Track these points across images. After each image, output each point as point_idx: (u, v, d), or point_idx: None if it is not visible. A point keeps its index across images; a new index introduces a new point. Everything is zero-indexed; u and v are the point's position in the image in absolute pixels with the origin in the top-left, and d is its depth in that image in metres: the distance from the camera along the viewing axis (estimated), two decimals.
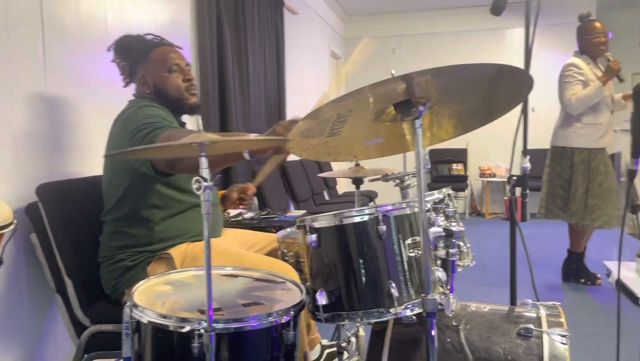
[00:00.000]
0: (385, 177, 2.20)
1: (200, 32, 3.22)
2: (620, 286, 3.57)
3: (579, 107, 3.48)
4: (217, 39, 3.42)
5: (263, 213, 3.14)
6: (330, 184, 6.12)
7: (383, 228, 1.30)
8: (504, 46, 7.23)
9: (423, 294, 1.17)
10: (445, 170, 7.52)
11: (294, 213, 3.65)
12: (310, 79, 6.03)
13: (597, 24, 3.55)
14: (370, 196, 5.89)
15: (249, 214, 3.05)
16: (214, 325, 1.10)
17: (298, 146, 1.22)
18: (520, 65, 1.84)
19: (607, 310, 3.25)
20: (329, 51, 6.97)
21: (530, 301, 1.59)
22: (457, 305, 1.57)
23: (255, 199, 3.16)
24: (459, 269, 1.62)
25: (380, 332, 1.48)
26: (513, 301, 2.06)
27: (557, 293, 3.64)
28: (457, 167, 7.47)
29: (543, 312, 1.48)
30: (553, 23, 6.89)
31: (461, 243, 1.72)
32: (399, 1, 7.00)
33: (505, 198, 6.93)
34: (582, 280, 3.79)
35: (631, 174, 1.31)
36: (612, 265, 3.85)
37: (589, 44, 3.56)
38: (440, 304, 1.17)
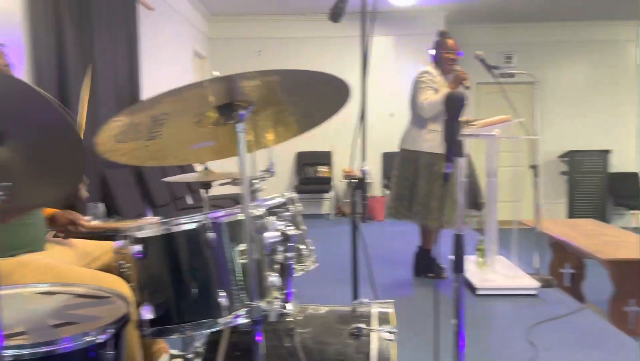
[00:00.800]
0: (235, 181, 2.16)
1: (34, 25, 2.92)
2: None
3: (429, 110, 3.73)
4: (56, 33, 3.12)
5: (110, 221, 2.92)
6: (193, 187, 5.93)
7: (212, 235, 1.26)
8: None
9: (249, 302, 1.15)
10: (312, 172, 7.68)
11: (147, 219, 3.46)
12: (172, 78, 5.80)
13: (450, 42, 3.89)
14: (237, 200, 5.81)
15: (93, 223, 2.82)
16: (17, 351, 0.98)
17: (114, 151, 1.14)
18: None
19: (452, 302, 3.50)
20: (192, 50, 6.77)
21: (366, 299, 1.64)
22: (296, 308, 1.57)
23: (101, 206, 2.94)
24: (300, 273, 1.63)
25: (215, 342, 1.43)
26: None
27: (408, 288, 3.86)
28: (322, 170, 7.67)
29: (375, 310, 1.54)
30: (410, 33, 7.38)
31: (302, 246, 1.73)
32: (265, 3, 7.00)
33: (346, 200, 7.24)
34: (430, 274, 4.06)
35: (445, 178, 1.40)
36: None
37: (441, 58, 3.89)
38: (264, 311, 1.15)
